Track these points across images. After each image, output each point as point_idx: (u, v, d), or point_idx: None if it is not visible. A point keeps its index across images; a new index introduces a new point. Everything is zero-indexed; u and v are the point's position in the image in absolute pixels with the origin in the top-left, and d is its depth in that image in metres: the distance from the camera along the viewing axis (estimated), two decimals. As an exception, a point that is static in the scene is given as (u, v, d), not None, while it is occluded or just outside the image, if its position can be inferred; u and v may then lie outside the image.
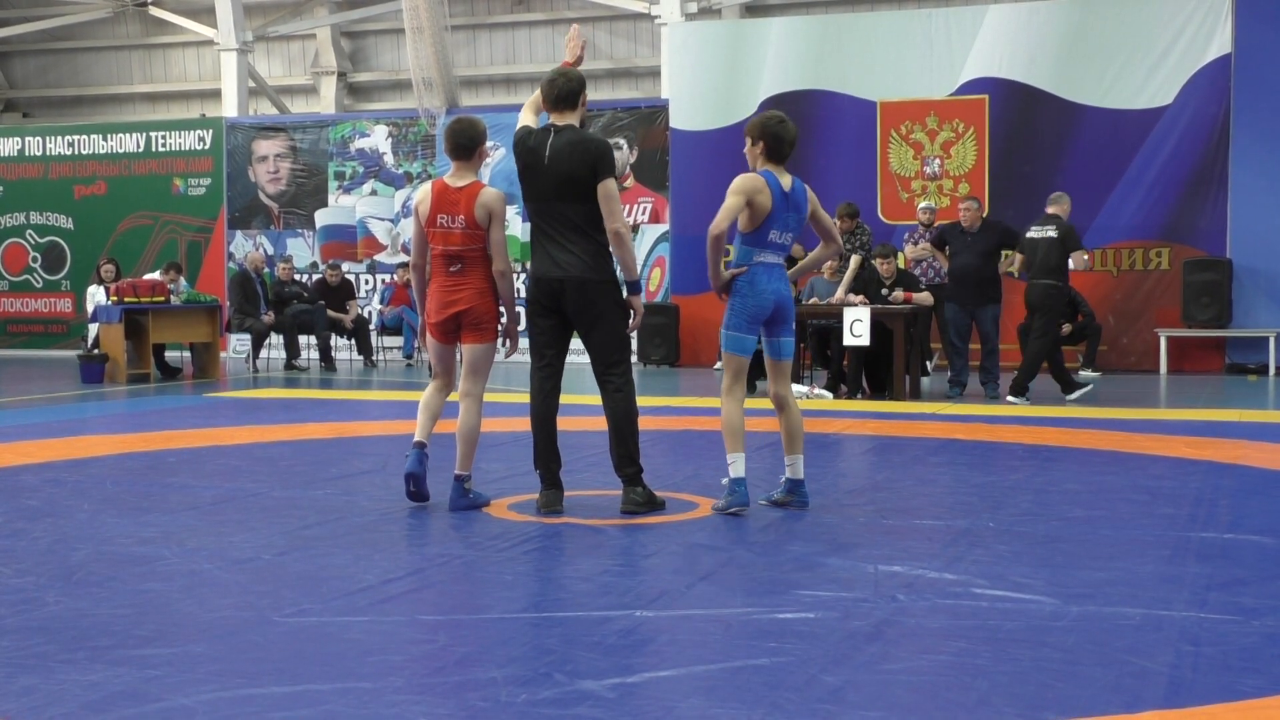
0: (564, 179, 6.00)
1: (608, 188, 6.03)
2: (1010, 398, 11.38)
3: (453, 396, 6.38)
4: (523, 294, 17.11)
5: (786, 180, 6.09)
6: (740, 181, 6.04)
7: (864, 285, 12.12)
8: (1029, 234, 11.62)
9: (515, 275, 17.08)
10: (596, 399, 6.37)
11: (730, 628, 4.14)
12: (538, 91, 6.33)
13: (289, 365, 15.94)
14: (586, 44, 6.62)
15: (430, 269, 6.30)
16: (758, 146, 6.11)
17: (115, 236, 19.14)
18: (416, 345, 16.10)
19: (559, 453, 6.27)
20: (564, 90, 6.09)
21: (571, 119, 6.11)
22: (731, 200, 6.00)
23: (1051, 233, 11.39)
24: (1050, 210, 11.67)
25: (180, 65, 22.22)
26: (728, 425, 6.07)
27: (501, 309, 6.33)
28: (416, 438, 6.27)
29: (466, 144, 6.16)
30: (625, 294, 6.18)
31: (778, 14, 17.79)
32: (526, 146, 6.13)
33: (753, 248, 6.09)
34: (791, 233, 6.16)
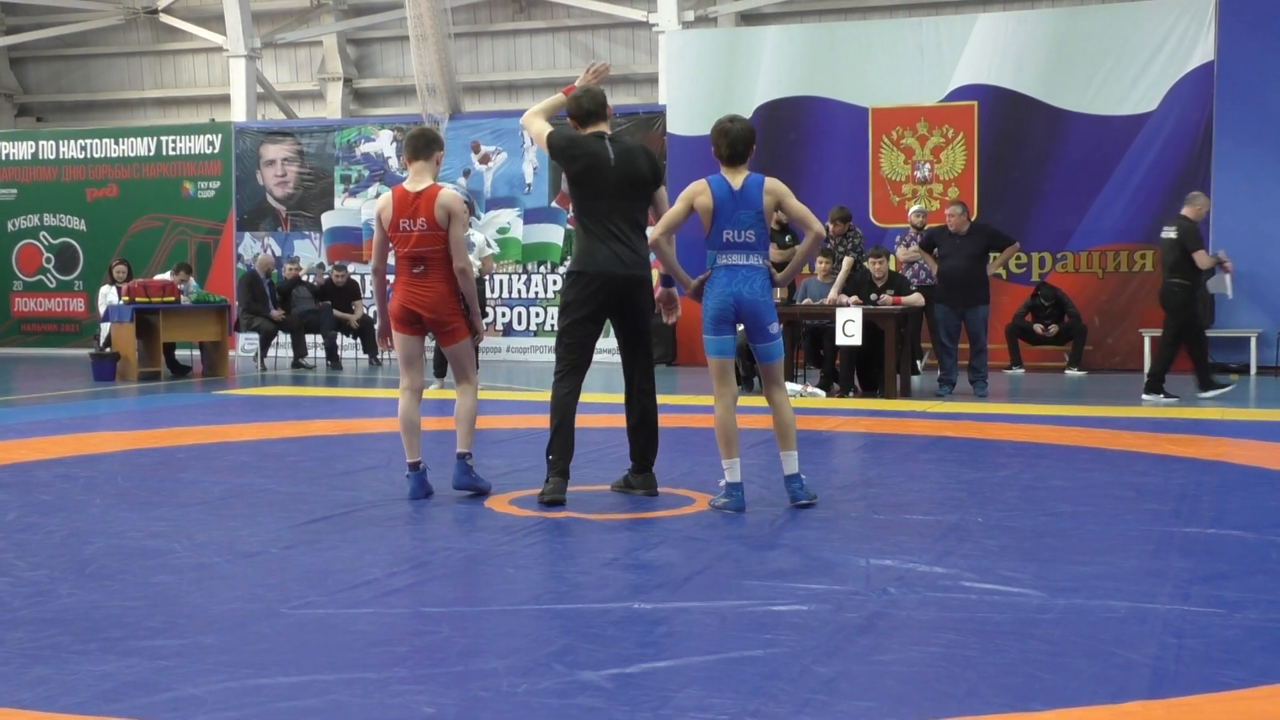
0: (633, 180, 6.27)
1: (663, 192, 6.42)
2: (1145, 397, 11.35)
3: (430, 394, 6.49)
4: (528, 295, 17.12)
5: (738, 179, 6.02)
6: (685, 190, 6.08)
7: (856, 287, 12.13)
8: (1161, 234, 11.71)
9: (526, 273, 17.09)
10: (600, 397, 6.38)
11: (725, 620, 4.14)
12: (549, 100, 6.59)
13: (296, 364, 15.93)
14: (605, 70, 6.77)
15: (396, 272, 6.40)
16: (713, 149, 6.11)
17: (127, 238, 19.13)
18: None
19: (574, 447, 6.37)
20: (594, 104, 6.36)
21: (605, 127, 6.35)
22: (674, 208, 6.06)
23: (1173, 233, 11.42)
24: (1183, 210, 11.70)
25: (190, 71, 22.21)
26: (719, 430, 6.05)
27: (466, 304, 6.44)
28: (409, 459, 6.38)
29: (424, 146, 6.33)
30: (662, 288, 6.44)
31: (772, 22, 17.78)
32: (586, 150, 6.26)
33: (713, 250, 6.06)
34: (751, 229, 6.01)
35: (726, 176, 6.04)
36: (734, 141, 6.03)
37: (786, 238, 13.39)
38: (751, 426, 7.85)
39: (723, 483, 6.10)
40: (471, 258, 11.43)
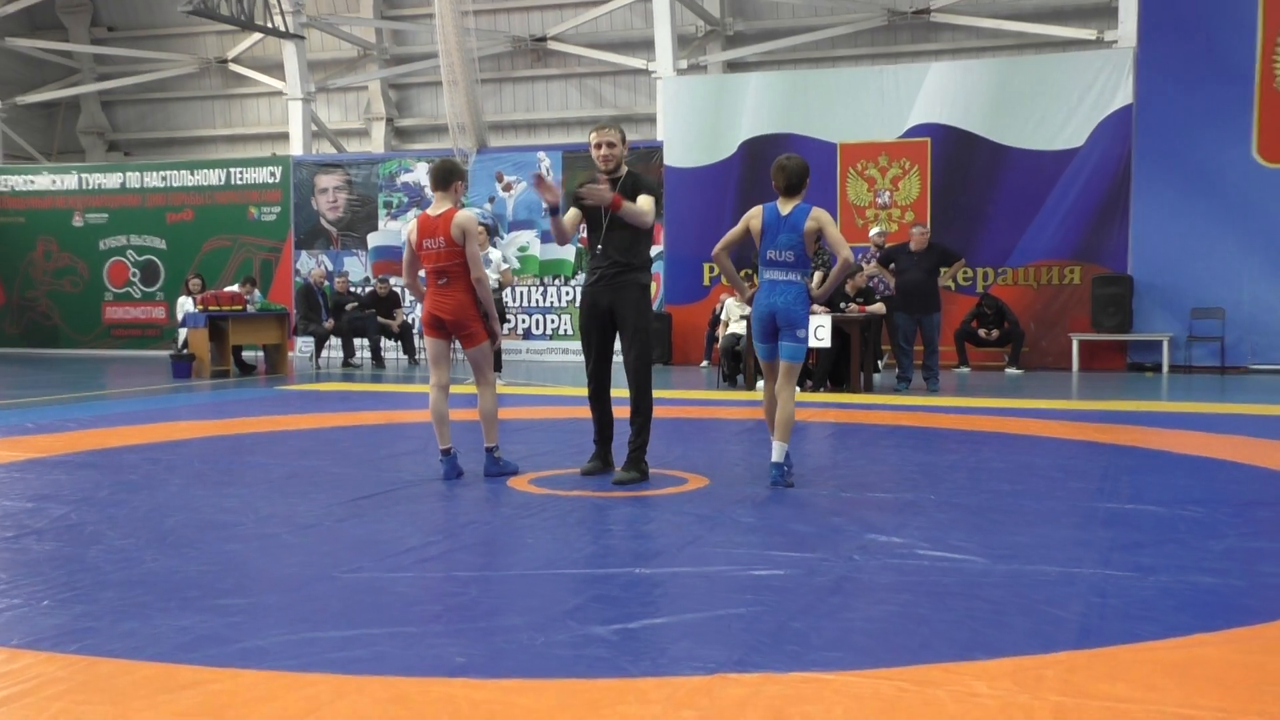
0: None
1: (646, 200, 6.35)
2: None
3: (458, 389, 6.49)
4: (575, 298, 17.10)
5: (788, 207, 6.03)
6: (746, 213, 6.19)
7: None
8: None
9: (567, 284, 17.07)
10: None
11: (714, 582, 4.14)
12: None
13: (345, 363, 15.93)
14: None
15: (426, 284, 6.40)
16: (773, 182, 6.14)
17: (200, 255, 19.13)
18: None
19: (607, 429, 6.53)
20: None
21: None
22: (734, 228, 6.19)
23: None
24: None
25: (255, 112, 22.21)
26: (765, 413, 6.23)
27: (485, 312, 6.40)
28: (440, 446, 6.38)
29: (443, 178, 6.32)
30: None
31: (754, 70, 17.77)
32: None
33: (760, 266, 6.12)
34: (790, 250, 5.99)
35: (779, 205, 6.08)
36: (789, 175, 6.08)
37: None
38: (732, 418, 7.86)
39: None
40: (490, 271, 11.44)
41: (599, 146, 6.27)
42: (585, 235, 6.47)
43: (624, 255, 6.23)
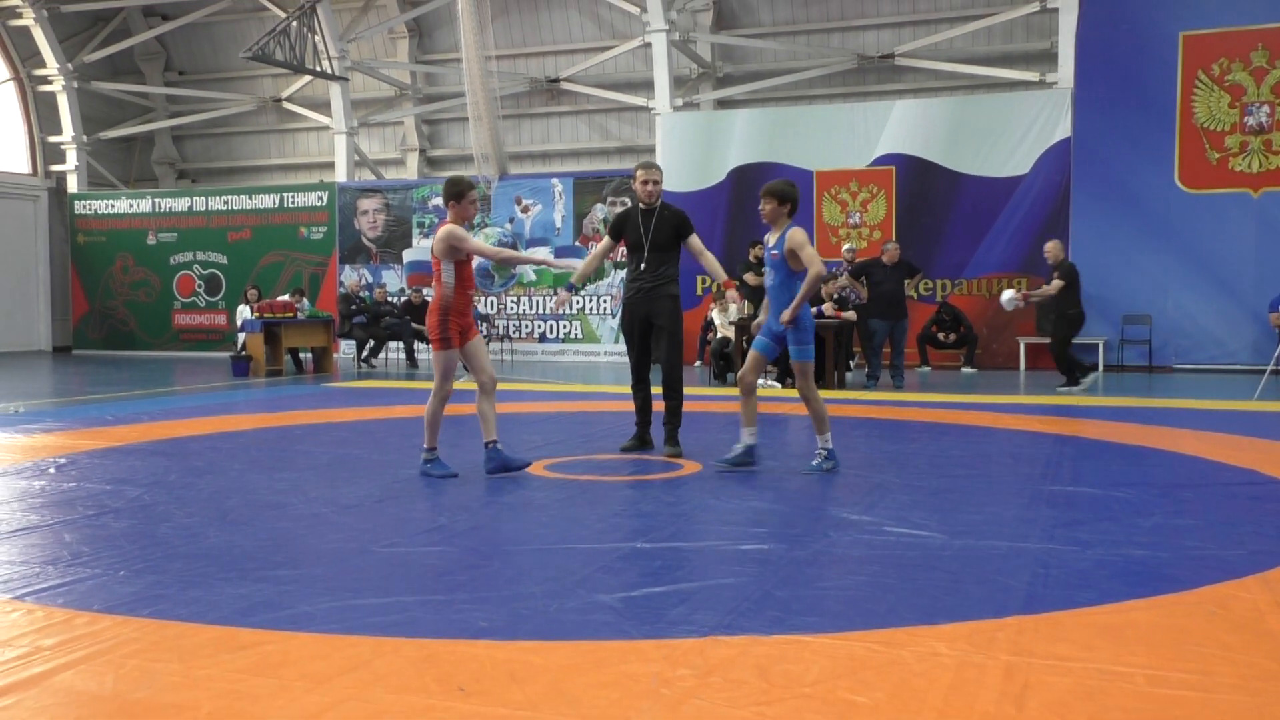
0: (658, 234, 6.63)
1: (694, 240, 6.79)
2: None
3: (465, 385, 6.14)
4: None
5: (778, 232, 5.90)
6: (805, 234, 5.80)
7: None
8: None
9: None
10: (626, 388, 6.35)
11: (706, 556, 4.13)
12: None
13: (366, 360, 15.74)
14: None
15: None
16: (785, 207, 5.81)
17: (257, 269, 19.13)
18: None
19: (645, 414, 6.77)
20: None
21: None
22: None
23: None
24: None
25: (305, 144, 22.20)
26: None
27: (444, 318, 5.83)
28: (484, 439, 5.96)
29: (446, 197, 5.91)
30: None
31: (741, 107, 17.76)
32: (630, 220, 6.63)
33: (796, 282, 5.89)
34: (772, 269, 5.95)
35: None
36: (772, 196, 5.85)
37: (763, 269, 13.38)
38: (722, 411, 7.84)
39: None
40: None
41: (646, 183, 6.60)
42: (625, 253, 6.76)
43: (659, 272, 6.57)
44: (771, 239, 5.96)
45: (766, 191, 5.91)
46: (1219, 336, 14.15)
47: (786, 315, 5.82)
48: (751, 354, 6.09)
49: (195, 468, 6.30)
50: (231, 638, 3.11)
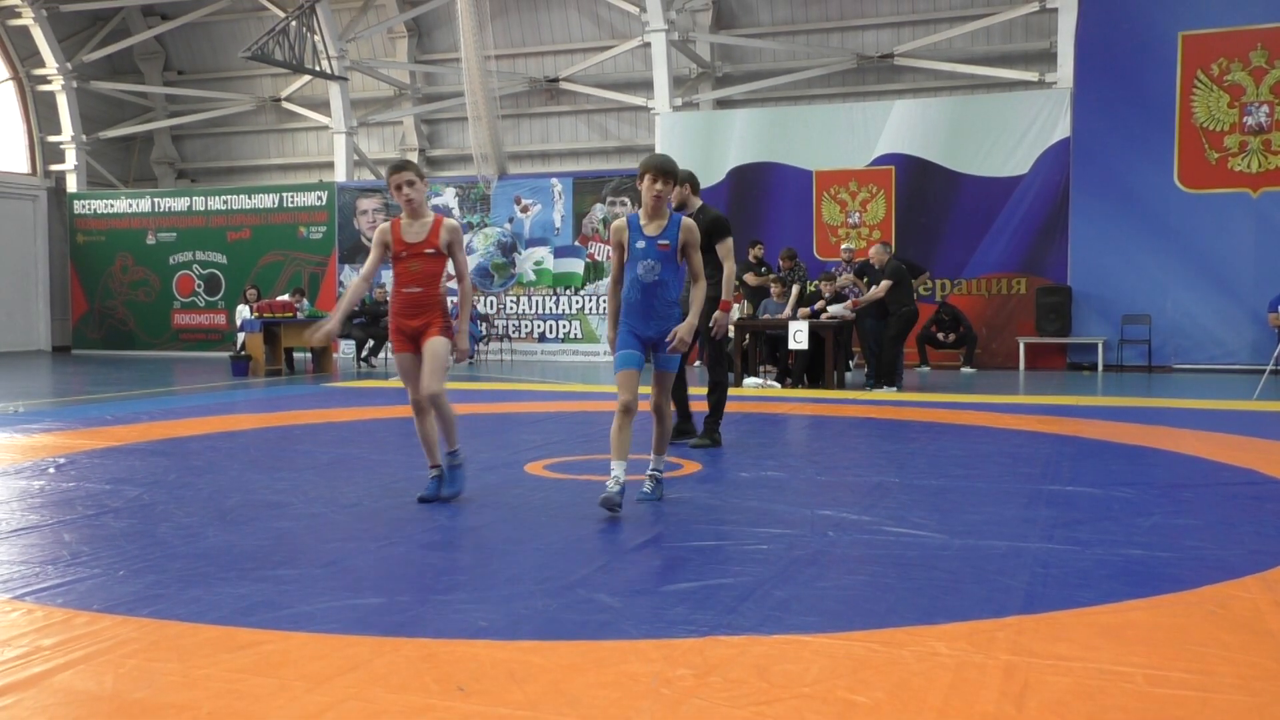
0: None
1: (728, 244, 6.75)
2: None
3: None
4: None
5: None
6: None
7: (805, 301, 12.47)
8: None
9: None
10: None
11: (706, 555, 4.13)
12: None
13: (364, 359, 15.80)
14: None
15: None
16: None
17: (256, 269, 19.13)
18: (477, 348, 16.11)
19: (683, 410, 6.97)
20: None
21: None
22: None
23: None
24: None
25: (304, 144, 22.20)
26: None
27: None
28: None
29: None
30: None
31: (741, 107, 17.77)
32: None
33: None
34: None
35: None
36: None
37: (762, 269, 13.43)
38: (726, 411, 7.82)
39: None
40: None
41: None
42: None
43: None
44: (655, 228, 4.92)
45: (661, 170, 4.82)
46: (1218, 336, 14.16)
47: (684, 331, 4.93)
48: (628, 373, 4.96)
49: (194, 467, 6.29)
50: (231, 637, 3.10)
